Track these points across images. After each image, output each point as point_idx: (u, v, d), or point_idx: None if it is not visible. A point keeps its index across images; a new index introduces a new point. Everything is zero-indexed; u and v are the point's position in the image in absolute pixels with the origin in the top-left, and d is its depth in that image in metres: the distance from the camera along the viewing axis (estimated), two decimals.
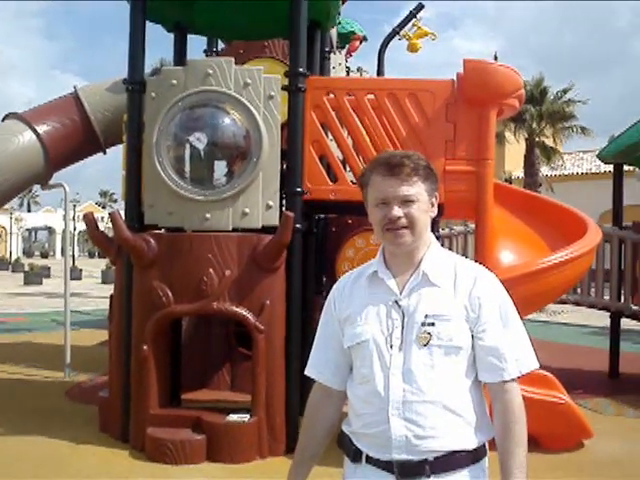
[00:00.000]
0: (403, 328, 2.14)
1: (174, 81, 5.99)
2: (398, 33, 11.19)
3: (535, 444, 5.78)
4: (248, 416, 5.86)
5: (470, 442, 2.13)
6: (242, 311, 5.87)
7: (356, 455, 2.22)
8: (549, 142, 25.29)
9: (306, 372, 2.42)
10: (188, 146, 6.11)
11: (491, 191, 6.20)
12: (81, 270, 34.64)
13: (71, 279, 30.60)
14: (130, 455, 5.83)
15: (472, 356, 2.17)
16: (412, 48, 11.57)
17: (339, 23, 9.92)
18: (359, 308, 2.24)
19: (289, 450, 5.85)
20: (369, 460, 2.17)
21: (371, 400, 2.16)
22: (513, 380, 2.17)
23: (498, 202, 6.59)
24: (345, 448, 2.28)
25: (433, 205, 2.23)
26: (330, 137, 6.51)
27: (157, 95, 6.09)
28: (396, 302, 2.18)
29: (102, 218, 32.45)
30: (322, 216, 8.17)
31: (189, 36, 7.77)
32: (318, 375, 2.38)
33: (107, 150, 9.38)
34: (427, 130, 6.20)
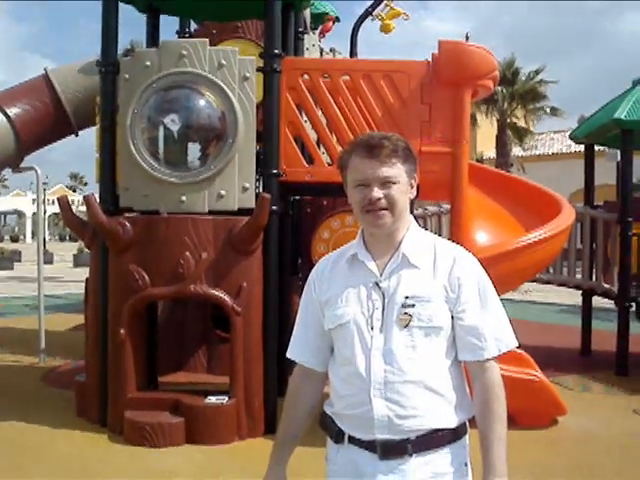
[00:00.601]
0: (384, 309, 2.15)
1: (148, 62, 5.93)
2: (371, 14, 11.16)
3: (511, 421, 5.85)
4: (226, 398, 5.87)
5: (451, 421, 2.16)
6: (219, 294, 5.87)
7: (338, 436, 2.23)
8: (521, 123, 25.44)
9: (287, 354, 2.43)
10: (163, 128, 6.05)
11: (466, 172, 6.24)
12: (52, 254, 34.25)
13: (43, 263, 30.06)
14: (109, 439, 5.82)
15: (452, 336, 2.19)
16: (385, 29, 11.56)
17: (312, 4, 9.87)
18: (339, 290, 2.24)
19: (268, 431, 5.88)
20: (352, 440, 2.19)
21: (353, 381, 2.17)
22: (493, 359, 2.19)
23: (472, 183, 6.62)
24: (327, 429, 2.29)
25: (412, 187, 2.23)
26: (305, 118, 6.50)
27: (131, 77, 6.02)
28: (376, 284, 2.19)
29: (73, 201, 32.04)
30: (297, 198, 8.16)
31: (162, 17, 7.70)
32: (299, 357, 2.38)
33: (78, 132, 9.27)
34: (402, 111, 6.20)
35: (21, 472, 5.13)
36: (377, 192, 2.14)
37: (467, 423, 2.23)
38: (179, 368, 7.70)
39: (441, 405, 2.14)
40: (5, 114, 8.51)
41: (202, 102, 5.98)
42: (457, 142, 6.20)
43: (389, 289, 2.17)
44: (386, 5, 11.39)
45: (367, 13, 11.25)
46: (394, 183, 2.15)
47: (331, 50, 11.75)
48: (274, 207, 5.99)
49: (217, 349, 7.81)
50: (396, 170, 2.16)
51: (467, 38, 20.92)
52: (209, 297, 5.94)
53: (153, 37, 7.26)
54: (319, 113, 6.45)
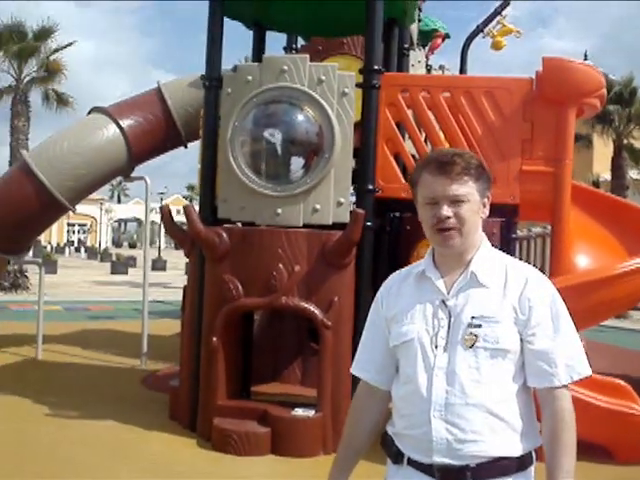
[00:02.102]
0: (449, 328, 2.10)
1: (249, 77, 6.06)
2: (482, 31, 11.00)
3: (608, 456, 5.64)
4: (313, 411, 5.89)
5: (515, 449, 2.07)
6: (310, 307, 5.91)
7: (397, 456, 2.19)
8: (638, 145, 24.38)
9: (352, 370, 2.41)
10: (261, 142, 6.17)
11: (569, 193, 6.04)
12: (166, 261, 35.46)
13: (156, 270, 31.26)
14: (197, 444, 5.95)
15: (521, 360, 2.11)
16: (496, 46, 11.34)
17: (420, 20, 9.84)
18: (406, 307, 2.21)
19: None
20: (410, 462, 2.14)
21: (414, 401, 2.13)
22: (564, 386, 2.09)
23: (578, 205, 6.42)
24: (387, 449, 2.24)
25: (485, 206, 2.18)
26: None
27: (233, 91, 6.18)
28: (443, 302, 2.14)
29: (179, 211, 33.05)
30: (397, 214, 8.11)
31: (273, 33, 7.88)
32: (364, 374, 2.36)
33: (189, 144, 9.57)
34: (503, 129, 6.08)
35: (110, 470, 5.32)
36: (446, 210, 2.10)
37: (534, 453, 2.14)
38: (274, 379, 7.77)
39: (505, 432, 2.06)
40: (119, 125, 8.89)
41: (300, 117, 6.05)
42: (560, 161, 6.01)
43: (456, 308, 2.12)
44: (498, 22, 11.20)
45: (478, 30, 11.11)
46: (464, 202, 2.11)
47: (440, 67, 11.67)
48: (368, 223, 5.98)
49: (312, 362, 7.83)
50: (467, 188, 2.11)
51: (585, 57, 20.36)
52: (300, 310, 5.98)
53: (259, 52, 7.42)
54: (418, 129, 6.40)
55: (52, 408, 6.84)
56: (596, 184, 25.89)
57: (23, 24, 20.38)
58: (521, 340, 2.09)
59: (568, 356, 2.10)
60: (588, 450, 4.55)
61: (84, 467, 5.34)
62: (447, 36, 11.68)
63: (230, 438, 5.74)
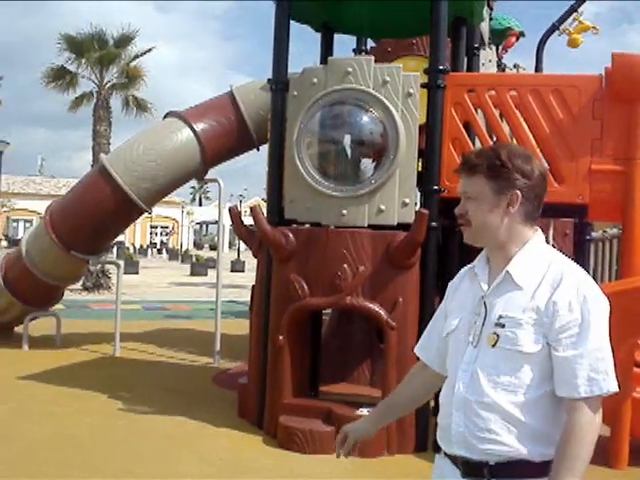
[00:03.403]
0: (482, 326, 2.12)
1: (315, 79, 6.13)
2: (558, 28, 10.80)
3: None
4: None
5: (535, 454, 2.02)
6: (375, 307, 5.93)
7: (436, 446, 2.26)
8: None
9: (415, 350, 2.50)
10: (326, 143, 6.24)
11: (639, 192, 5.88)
12: (244, 262, 35.91)
13: (235, 271, 31.67)
14: (263, 441, 6.05)
15: (547, 365, 2.04)
16: (572, 43, 11.11)
17: (491, 19, 9.73)
18: (458, 301, 2.28)
19: (418, 449, 5.84)
20: (444, 452, 2.21)
21: (446, 392, 2.20)
22: (584, 399, 1.99)
23: None
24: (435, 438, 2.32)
25: (511, 205, 2.10)
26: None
27: (299, 93, 6.26)
28: (482, 299, 2.16)
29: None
30: None
31: (343, 36, 7.94)
32: (423, 354, 2.46)
33: (261, 148, 9.71)
34: (572, 127, 5.97)
35: (178, 464, 5.46)
36: (460, 207, 2.18)
37: None
38: (343, 379, 7.81)
39: (523, 435, 2.02)
40: (192, 129, 9.12)
41: (365, 118, 6.09)
42: (630, 160, 5.86)
43: (490, 306, 2.13)
44: (574, 19, 10.97)
45: (554, 27, 10.92)
46: (472, 199, 2.14)
47: (515, 66, 11.49)
48: (433, 223, 5.96)
49: (381, 362, 7.85)
50: (476, 187, 2.12)
51: None
52: (364, 310, 6.01)
53: (326, 55, 7.48)
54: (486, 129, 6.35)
55: (126, 403, 7.08)
56: None
57: (104, 32, 21.04)
58: (548, 344, 2.03)
59: (593, 369, 1.99)
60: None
61: (154, 460, 5.51)
62: (522, 34, 11.47)
63: (295, 436, 5.82)
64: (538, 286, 2.07)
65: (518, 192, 2.11)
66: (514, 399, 2.03)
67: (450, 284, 2.41)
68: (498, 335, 2.06)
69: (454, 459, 2.13)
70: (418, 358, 2.50)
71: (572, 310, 2.01)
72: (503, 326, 2.06)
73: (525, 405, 2.03)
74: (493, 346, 2.06)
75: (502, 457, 2.04)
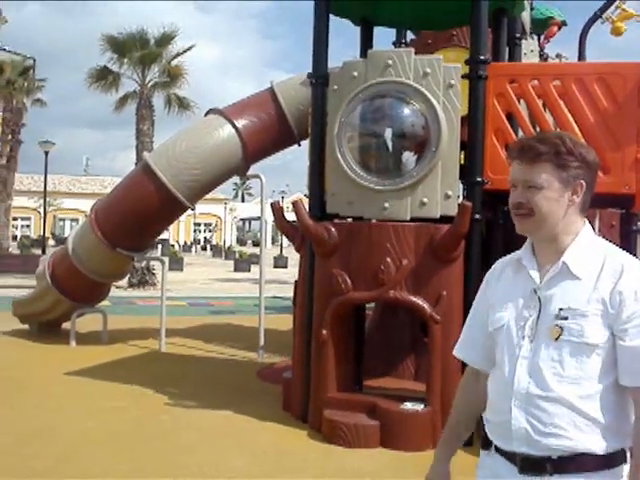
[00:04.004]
0: (537, 319, 2.07)
1: (355, 73, 6.11)
2: (600, 16, 10.63)
3: None
4: (422, 405, 5.88)
5: (601, 446, 1.99)
6: (418, 301, 5.90)
7: (485, 442, 2.20)
8: None
9: (454, 352, 2.43)
10: (367, 136, 6.21)
11: None
12: (287, 258, 36.04)
13: (278, 267, 31.90)
14: (307, 435, 6.07)
15: (612, 356, 2.01)
16: (616, 31, 10.93)
17: (532, 9, 9.60)
18: (502, 294, 2.21)
19: (464, 444, 5.79)
20: (497, 449, 2.14)
21: (499, 387, 2.13)
22: None
23: None
24: (480, 435, 2.26)
25: (576, 193, 2.08)
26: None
27: (339, 87, 6.25)
28: (534, 291, 2.11)
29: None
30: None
31: (382, 28, 7.90)
32: (464, 355, 2.38)
33: (302, 143, 9.72)
34: (617, 116, 5.85)
35: (224, 457, 5.51)
36: (519, 196, 2.09)
37: (627, 452, 2.04)
38: (387, 374, 7.79)
39: (589, 428, 1.99)
40: (234, 125, 9.16)
41: (406, 110, 6.05)
42: None
43: (545, 298, 2.07)
44: (617, 7, 10.78)
45: (596, 16, 10.75)
46: (538, 188, 2.06)
47: (557, 55, 11.32)
48: (476, 215, 5.91)
49: (425, 357, 7.81)
50: (542, 175, 2.05)
51: None
52: (408, 304, 5.99)
53: (366, 48, 7.44)
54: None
55: (172, 398, 7.16)
56: None
57: (145, 31, 21.24)
58: (612, 335, 2.00)
59: None
60: None
61: (199, 454, 5.56)
62: (564, 23, 11.30)
63: (340, 430, 5.82)
64: (598, 277, 2.04)
65: (582, 182, 2.09)
66: (580, 392, 2.00)
67: (488, 276, 2.34)
68: (562, 327, 2.01)
69: (511, 456, 2.07)
70: (464, 370, 2.43)
71: (638, 300, 1.99)
72: (566, 318, 2.01)
73: (590, 397, 2.00)
74: (556, 339, 2.02)
75: (566, 451, 2.00)
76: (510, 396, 2.07)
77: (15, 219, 53.73)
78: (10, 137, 32.80)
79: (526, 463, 2.04)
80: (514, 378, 2.07)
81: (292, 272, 30.22)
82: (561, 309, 2.03)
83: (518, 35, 7.84)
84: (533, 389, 2.03)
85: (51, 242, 47.02)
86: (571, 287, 2.05)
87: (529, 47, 8.69)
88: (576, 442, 1.99)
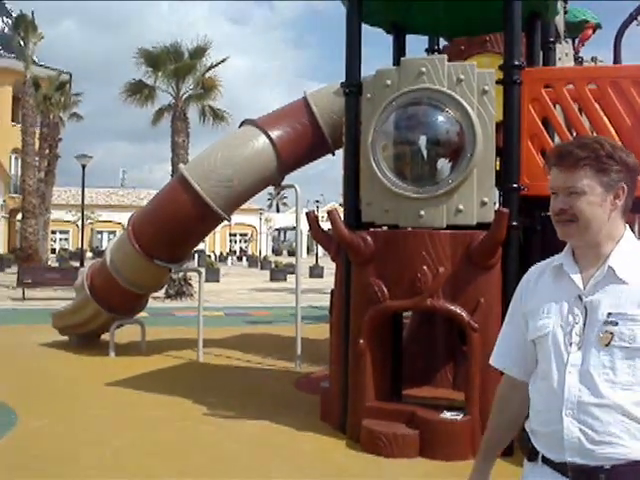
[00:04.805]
0: (584, 325, 2.03)
1: (388, 81, 6.11)
2: (635, 18, 10.50)
3: None
4: (462, 414, 5.83)
5: None
6: (456, 308, 5.86)
7: (531, 454, 2.14)
8: None
9: (490, 361, 2.39)
10: (401, 144, 6.20)
11: None
12: (322, 267, 36.07)
13: (313, 277, 31.89)
14: (346, 445, 6.05)
15: None
16: None
17: (566, 12, 9.51)
18: (542, 301, 2.16)
19: (503, 453, 5.71)
20: (545, 460, 2.09)
21: (547, 397, 2.08)
22: None
23: None
24: (523, 446, 2.20)
25: (618, 197, 2.06)
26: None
27: (372, 96, 6.25)
28: (579, 297, 2.07)
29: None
30: (548, 213, 7.89)
31: (414, 36, 7.90)
32: (502, 365, 2.34)
33: (336, 152, 9.73)
34: None
35: (263, 468, 5.52)
36: (561, 202, 2.07)
37: None
38: (425, 382, 7.74)
39: None
40: (268, 136, 9.20)
41: (440, 117, 6.03)
42: None
43: (592, 304, 2.04)
44: None
45: (631, 18, 10.63)
46: (580, 194, 2.03)
47: (592, 59, 11.21)
48: (514, 222, 5.86)
49: (464, 366, 7.75)
50: (583, 180, 2.03)
51: None
52: (445, 312, 5.95)
53: (399, 56, 7.43)
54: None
55: (211, 408, 7.19)
56: None
57: (179, 44, 21.46)
58: None
59: None
60: None
61: (239, 465, 5.58)
62: (598, 26, 11.20)
63: (379, 439, 5.79)
64: None
65: (624, 185, 2.07)
66: (633, 398, 1.96)
67: (524, 283, 2.30)
68: (612, 333, 1.98)
69: (561, 466, 2.03)
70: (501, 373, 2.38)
71: None
72: (616, 323, 1.98)
73: None
74: (607, 345, 1.98)
75: (620, 460, 1.96)
76: (560, 405, 2.02)
77: (53, 232, 54.53)
78: (48, 151, 33.40)
79: (578, 473, 1.99)
80: (564, 387, 2.02)
81: (328, 281, 30.22)
82: (610, 314, 1.99)
83: (552, 39, 7.79)
84: (585, 397, 1.99)
85: (89, 254, 47.62)
86: (618, 292, 2.02)
87: (563, 51, 8.62)
88: (630, 449, 1.95)
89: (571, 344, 2.05)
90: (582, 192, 2.04)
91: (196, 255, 37.31)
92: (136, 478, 5.26)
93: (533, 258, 6.56)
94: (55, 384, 8.49)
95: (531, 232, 6.68)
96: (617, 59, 10.67)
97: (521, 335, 2.25)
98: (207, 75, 21.98)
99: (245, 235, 75.73)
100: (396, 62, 7.37)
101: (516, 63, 5.92)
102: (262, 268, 44.28)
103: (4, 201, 42.74)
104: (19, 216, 35.00)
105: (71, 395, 7.90)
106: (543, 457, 2.10)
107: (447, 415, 5.88)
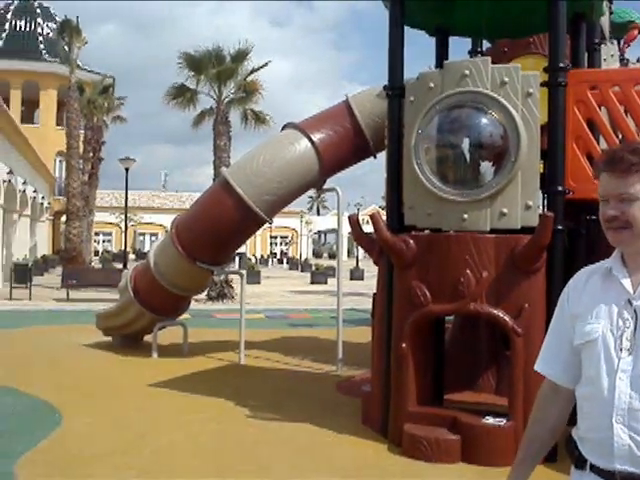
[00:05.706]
0: (635, 330, 2.00)
1: (431, 84, 6.08)
2: None
3: None
4: (505, 420, 5.77)
5: None
6: (499, 313, 5.81)
7: (579, 461, 2.11)
8: None
9: (536, 367, 2.34)
10: (445, 147, 6.17)
11: None
12: (363, 270, 36.04)
13: (354, 279, 31.90)
14: (387, 449, 6.03)
15: None
16: None
17: (611, 13, 9.36)
18: (591, 305, 2.13)
19: (546, 459, 5.61)
20: (593, 468, 2.06)
21: (596, 403, 2.05)
22: None
23: None
24: (570, 454, 2.17)
25: None
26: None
27: (415, 99, 6.22)
28: (629, 302, 2.04)
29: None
30: (593, 217, 7.77)
31: (457, 38, 7.86)
32: (547, 371, 2.30)
33: (378, 155, 9.72)
34: None
35: (304, 471, 5.53)
36: (613, 209, 2.03)
37: None
38: (467, 387, 7.69)
39: None
40: (310, 139, 9.22)
41: (484, 120, 5.98)
42: None
43: None
44: None
45: None
46: (633, 200, 2.01)
47: (638, 60, 11.03)
48: (559, 226, 5.79)
49: (506, 371, 7.67)
50: (637, 186, 2.00)
51: None
52: (489, 316, 5.90)
53: (442, 58, 7.39)
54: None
55: (252, 410, 7.23)
56: None
57: (221, 48, 21.63)
58: None
59: None
60: None
61: (279, 467, 5.60)
62: None
63: (420, 444, 5.76)
64: None
65: None
66: None
67: (570, 287, 2.26)
68: None
69: (610, 474, 2.00)
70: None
71: None
72: None
73: None
74: None
75: None
76: (610, 412, 1.99)
77: (97, 234, 55.44)
78: (92, 154, 33.93)
79: None
80: (614, 393, 1.99)
81: (368, 284, 30.19)
82: None
83: (597, 40, 7.67)
84: (636, 403, 1.95)
85: (131, 256, 48.19)
86: None
87: (609, 52, 8.48)
88: None
89: (621, 349, 2.01)
90: (636, 198, 2.01)
91: (237, 258, 37.48)
92: (175, 478, 5.31)
93: (578, 262, 6.54)
94: (98, 384, 8.61)
95: (576, 236, 6.59)
96: None
97: (567, 341, 2.21)
98: (249, 79, 22.12)
99: (286, 238, 75.98)
100: (439, 64, 7.33)
101: (561, 65, 5.86)
102: (302, 271, 44.38)
103: (49, 203, 43.49)
104: (63, 218, 35.58)
105: (114, 395, 8.01)
106: (591, 464, 2.06)
107: (490, 420, 5.82)
